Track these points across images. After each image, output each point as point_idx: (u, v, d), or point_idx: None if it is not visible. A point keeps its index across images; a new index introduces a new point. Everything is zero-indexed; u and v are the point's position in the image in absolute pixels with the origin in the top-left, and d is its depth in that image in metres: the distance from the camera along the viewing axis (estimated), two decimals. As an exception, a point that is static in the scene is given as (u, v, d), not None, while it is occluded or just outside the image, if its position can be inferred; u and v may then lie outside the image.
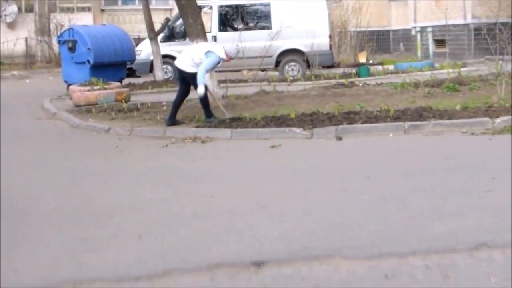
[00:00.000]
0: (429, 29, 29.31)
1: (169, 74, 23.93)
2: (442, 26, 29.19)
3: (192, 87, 14.10)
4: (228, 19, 24.95)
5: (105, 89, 18.25)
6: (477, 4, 27.28)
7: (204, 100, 13.94)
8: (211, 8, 24.91)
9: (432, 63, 24.76)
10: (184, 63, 13.91)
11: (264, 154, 11.02)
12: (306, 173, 9.38)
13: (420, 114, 12.84)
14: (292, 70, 24.37)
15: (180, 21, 24.88)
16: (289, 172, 9.52)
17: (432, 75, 20.07)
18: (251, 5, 25.12)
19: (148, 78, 24.21)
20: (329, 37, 24.48)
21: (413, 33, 31.63)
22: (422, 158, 9.98)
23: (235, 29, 24.16)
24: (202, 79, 13.75)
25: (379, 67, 23.60)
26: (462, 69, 22.65)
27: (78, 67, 21.60)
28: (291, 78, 22.56)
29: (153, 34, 23.31)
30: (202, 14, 26.93)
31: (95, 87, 18.34)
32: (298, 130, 12.41)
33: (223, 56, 13.73)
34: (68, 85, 21.97)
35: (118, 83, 20.27)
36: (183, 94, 14.31)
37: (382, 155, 10.44)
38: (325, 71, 24.04)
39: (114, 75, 21.63)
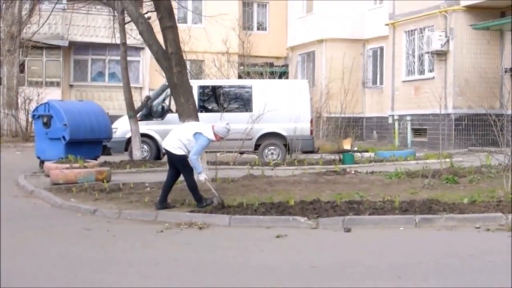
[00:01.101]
0: (408, 118, 29.02)
1: (145, 154, 23.17)
2: (421, 115, 28.92)
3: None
4: (208, 100, 24.36)
5: (85, 167, 17.41)
6: (458, 93, 27.07)
7: (192, 184, 13.23)
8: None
9: (414, 152, 24.31)
10: (171, 145, 13.23)
11: (270, 245, 10.24)
12: (326, 271, 8.62)
13: (429, 207, 12.20)
14: (272, 154, 23.75)
15: (158, 100, 24.32)
16: (306, 269, 8.73)
17: (423, 164, 19.58)
18: (232, 86, 24.63)
19: (123, 157, 23.42)
20: (311, 121, 23.99)
21: (390, 121, 31.32)
22: (442, 256, 9.30)
23: (216, 111, 23.52)
24: (198, 165, 13.10)
25: (362, 154, 23.07)
26: (447, 159, 22.24)
27: (52, 143, 20.74)
28: (274, 162, 21.90)
29: (132, 112, 22.60)
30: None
31: (74, 165, 17.48)
32: (302, 219, 11.68)
33: (212, 138, 13.14)
34: (41, 162, 21.14)
35: (96, 161, 19.44)
36: (173, 176, 13.57)
37: (399, 251, 9.74)
38: (306, 156, 23.45)
39: (90, 153, 20.79)
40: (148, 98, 24.08)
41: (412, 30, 30.07)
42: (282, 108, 23.19)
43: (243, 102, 24.13)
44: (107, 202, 14.15)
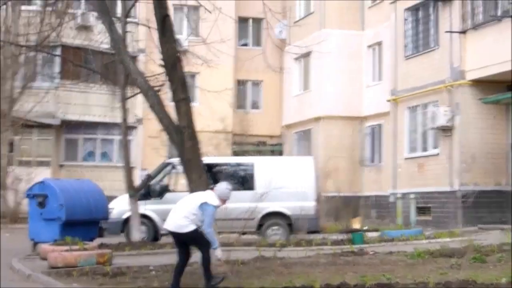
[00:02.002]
0: (412, 196, 28.12)
1: (142, 235, 22.11)
2: (425, 193, 28.03)
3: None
4: (209, 178, 23.36)
5: (85, 249, 16.33)
6: (465, 170, 26.24)
7: (209, 260, 12.22)
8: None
9: (421, 231, 23.37)
10: (178, 224, 12.29)
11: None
12: None
13: (467, 290, 11.21)
14: (275, 234, 22.77)
15: (157, 179, 23.36)
16: None
17: (435, 243, 18.63)
18: (233, 164, 23.77)
19: (118, 239, 22.35)
20: (316, 200, 23.07)
21: (391, 199, 30.41)
22: None
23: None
24: (214, 239, 12.17)
25: (371, 234, 22.09)
26: (458, 238, 21.31)
27: (47, 224, 19.78)
28: (280, 242, 20.86)
29: (133, 191, 21.58)
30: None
31: (73, 247, 16.40)
32: (333, 305, 10.63)
33: (218, 203, 12.29)
34: (35, 243, 20.07)
35: (95, 244, 18.38)
36: (185, 258, 12.56)
37: None
38: (311, 236, 22.43)
39: (86, 234, 19.76)
40: (149, 176, 23.11)
41: (415, 106, 29.39)
42: (286, 186, 22.29)
43: (244, 180, 23.22)
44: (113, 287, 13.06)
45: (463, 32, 26.61)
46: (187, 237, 12.18)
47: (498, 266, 13.92)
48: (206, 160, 23.66)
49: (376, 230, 22.28)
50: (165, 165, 23.81)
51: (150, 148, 36.78)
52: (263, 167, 23.09)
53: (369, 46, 35.86)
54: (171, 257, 17.96)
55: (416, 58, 29.35)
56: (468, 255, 14.90)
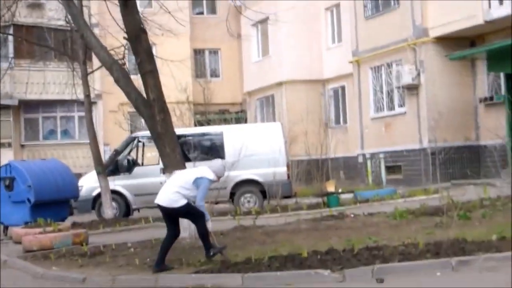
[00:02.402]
0: (381, 155, 28.00)
1: (114, 211, 21.70)
2: (394, 152, 27.93)
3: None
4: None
5: (59, 230, 15.91)
6: (433, 127, 26.12)
7: (205, 230, 11.96)
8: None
9: (395, 190, 23.25)
10: (169, 199, 11.93)
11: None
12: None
13: (461, 248, 10.99)
14: (249, 201, 22.56)
15: (124, 153, 22.93)
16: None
17: (412, 202, 18.53)
18: (202, 134, 23.41)
19: (90, 217, 21.96)
20: (287, 165, 22.83)
21: (360, 160, 30.29)
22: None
23: (187, 160, 22.13)
24: (206, 212, 11.95)
25: (345, 196, 21.89)
26: (434, 195, 21.22)
27: (16, 206, 19.38)
28: (256, 210, 20.61)
29: (101, 168, 21.14)
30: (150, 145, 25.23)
31: (47, 229, 15.97)
32: (325, 272, 10.34)
33: (214, 178, 12.01)
34: (5, 227, 19.63)
35: (68, 224, 17.96)
36: (173, 235, 12.21)
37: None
38: (285, 202, 22.24)
39: (57, 214, 19.40)
40: (116, 151, 22.65)
41: (378, 66, 29.18)
42: (256, 153, 22.05)
43: (214, 149, 22.90)
44: (94, 268, 12.69)
45: (424, -12, 26.44)
46: (179, 212, 11.88)
47: (484, 223, 13.78)
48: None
49: (351, 192, 22.10)
50: (131, 139, 23.37)
51: (111, 123, 36.13)
52: (232, 136, 22.77)
53: (327, 9, 35.51)
54: (147, 233, 17.70)
55: (377, 18, 29.11)
56: (451, 212, 14.71)
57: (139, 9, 14.96)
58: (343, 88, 34.43)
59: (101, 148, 35.27)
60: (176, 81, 34.92)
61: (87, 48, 20.98)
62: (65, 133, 37.05)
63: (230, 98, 41.26)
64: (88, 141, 21.50)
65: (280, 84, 35.61)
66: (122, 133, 35.72)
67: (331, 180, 21.67)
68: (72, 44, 25.29)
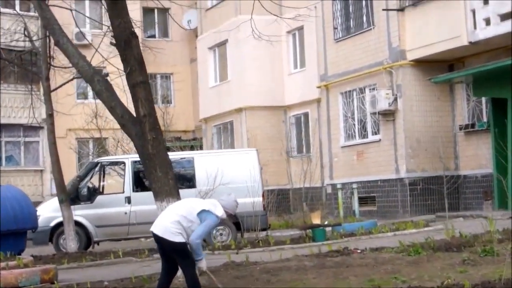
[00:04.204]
0: (354, 186, 26.47)
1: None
2: (367, 182, 26.43)
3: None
4: (144, 177, 21.18)
5: (25, 266, 13.90)
6: (411, 155, 24.75)
7: (195, 280, 10.16)
8: (123, 164, 21.19)
9: (375, 223, 21.69)
10: (165, 228, 10.11)
11: None
12: None
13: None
14: (221, 234, 20.70)
15: (85, 181, 20.99)
16: None
17: (401, 236, 17.02)
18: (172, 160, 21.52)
19: (46, 250, 19.97)
20: (262, 195, 21.15)
21: (329, 190, 28.75)
22: None
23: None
24: (201, 251, 10.16)
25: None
26: (425, 228, 19.77)
27: (-32, 238, 17.20)
28: (237, 244, 18.84)
29: (64, 196, 19.14)
30: (113, 172, 23.33)
31: (10, 264, 13.98)
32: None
33: (222, 215, 10.16)
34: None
35: (31, 258, 15.92)
36: (169, 272, 10.43)
37: None
38: (261, 235, 20.51)
39: (13, 247, 17.48)
40: (79, 178, 20.68)
41: (349, 91, 27.69)
42: (233, 181, 20.26)
43: (183, 177, 21.08)
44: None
45: (401, 9, 25.15)
46: (173, 248, 10.03)
47: (516, 259, 12.28)
48: (132, 157, 21.61)
49: (339, 225, 20.43)
50: (94, 165, 21.40)
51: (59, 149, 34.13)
52: (204, 162, 20.99)
53: (289, 32, 34.00)
54: (119, 269, 15.86)
55: (348, 40, 27.72)
56: (474, 247, 13.20)
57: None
58: (306, 115, 32.90)
59: (48, 176, 33.31)
60: (128, 107, 33.06)
61: (49, 64, 19.17)
62: (10, 159, 34.85)
63: (183, 125, 39.69)
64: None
65: (239, 110, 33.90)
66: (71, 159, 33.84)
67: (316, 211, 19.98)
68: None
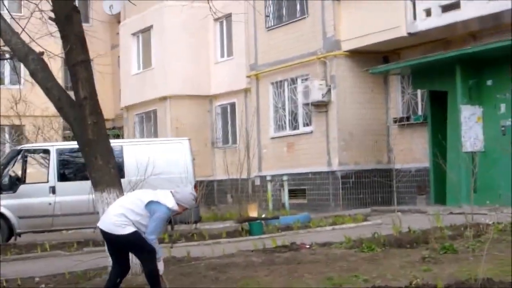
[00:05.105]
0: (285, 178, 25.80)
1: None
2: (297, 175, 25.78)
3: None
4: (71, 166, 20.06)
5: None
6: (344, 148, 24.19)
7: (154, 271, 9.27)
8: (47, 152, 20.03)
9: (309, 216, 21.02)
10: (111, 222, 9.26)
11: None
12: None
13: (497, 291, 8.86)
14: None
15: (7, 169, 19.73)
16: None
17: (340, 230, 16.39)
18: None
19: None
20: (195, 186, 20.23)
21: (257, 182, 28.00)
22: None
23: (80, 178, 19.16)
24: (159, 249, 9.25)
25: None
26: (364, 223, 19.18)
27: None
28: (169, 237, 17.91)
29: (-14, 185, 17.91)
30: (36, 160, 22.09)
31: None
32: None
33: (174, 207, 9.28)
34: None
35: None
36: (121, 270, 9.60)
37: None
38: (184, 228, 19.77)
39: None
40: (1, 166, 19.40)
41: (280, 81, 27.00)
42: (165, 172, 19.33)
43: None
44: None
45: (337, -2, 24.57)
46: (123, 241, 9.16)
47: (479, 257, 11.62)
48: (65, 144, 20.54)
49: (277, 218, 19.68)
50: (16, 152, 20.16)
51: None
52: (133, 152, 19.99)
53: (216, 20, 33.06)
54: (48, 263, 14.96)
55: (280, 29, 27.02)
56: (430, 244, 12.58)
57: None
58: (232, 105, 32.08)
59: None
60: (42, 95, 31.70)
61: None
62: None
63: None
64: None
65: (164, 98, 32.87)
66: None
67: (253, 204, 19.24)
68: None
